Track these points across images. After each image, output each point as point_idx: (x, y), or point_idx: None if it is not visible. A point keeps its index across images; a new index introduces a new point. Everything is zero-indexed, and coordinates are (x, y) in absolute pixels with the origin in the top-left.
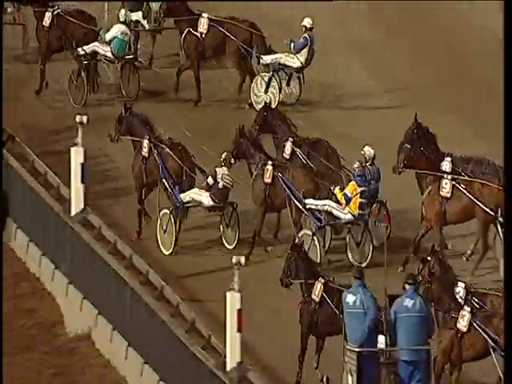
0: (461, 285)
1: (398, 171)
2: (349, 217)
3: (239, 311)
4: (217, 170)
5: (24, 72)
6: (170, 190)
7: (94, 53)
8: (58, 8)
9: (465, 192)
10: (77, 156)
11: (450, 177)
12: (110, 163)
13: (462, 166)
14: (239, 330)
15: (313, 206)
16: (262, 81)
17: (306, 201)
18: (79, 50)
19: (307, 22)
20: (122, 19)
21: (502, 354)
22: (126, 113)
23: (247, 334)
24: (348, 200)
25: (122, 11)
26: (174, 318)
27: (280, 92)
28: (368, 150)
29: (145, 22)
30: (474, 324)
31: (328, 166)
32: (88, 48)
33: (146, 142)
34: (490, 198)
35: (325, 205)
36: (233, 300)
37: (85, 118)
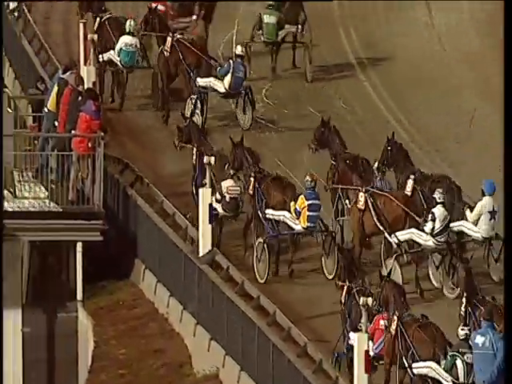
0: None
1: None
2: (299, 228)
3: (367, 352)
4: (222, 184)
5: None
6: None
7: None
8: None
9: (369, 205)
10: (205, 197)
11: (364, 190)
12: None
13: (424, 183)
14: (367, 371)
15: (271, 216)
16: (189, 102)
17: (267, 210)
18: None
19: (239, 49)
20: (127, 30)
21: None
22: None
23: None
24: (298, 213)
25: (128, 22)
26: (300, 359)
27: (202, 115)
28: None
29: None
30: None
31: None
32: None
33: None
34: (389, 214)
35: (281, 215)
36: (360, 341)
37: (212, 159)
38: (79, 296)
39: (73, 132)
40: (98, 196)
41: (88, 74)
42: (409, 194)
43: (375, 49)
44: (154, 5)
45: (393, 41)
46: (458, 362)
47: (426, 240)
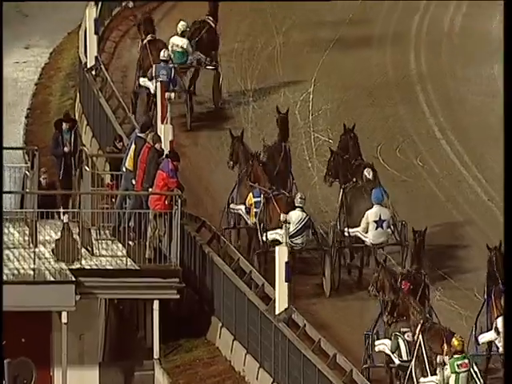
0: None
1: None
2: (250, 223)
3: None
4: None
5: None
6: None
7: None
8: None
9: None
10: (281, 254)
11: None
12: (313, 264)
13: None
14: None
15: (232, 210)
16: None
17: (231, 205)
18: None
19: (161, 54)
20: (177, 31)
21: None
22: None
23: None
24: (247, 209)
25: (180, 23)
26: None
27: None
28: None
29: None
30: None
31: None
32: None
33: None
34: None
35: (238, 209)
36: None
37: (288, 217)
38: (156, 354)
39: (150, 190)
40: (174, 254)
41: (165, 132)
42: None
43: (452, 106)
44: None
45: (470, 98)
46: (400, 342)
47: (284, 241)
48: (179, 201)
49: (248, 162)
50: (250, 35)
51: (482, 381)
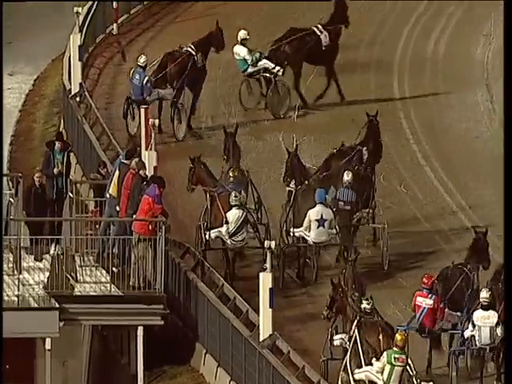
0: None
1: None
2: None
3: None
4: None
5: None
6: None
7: None
8: None
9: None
10: (265, 281)
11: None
12: (297, 289)
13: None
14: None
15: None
16: None
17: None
18: None
19: (140, 59)
20: (238, 39)
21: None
22: None
23: None
24: None
25: (241, 32)
26: None
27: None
28: None
29: None
30: None
31: None
32: None
33: None
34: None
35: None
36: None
37: (273, 244)
38: (140, 381)
39: (134, 216)
40: (159, 280)
41: (149, 158)
42: None
43: (436, 133)
44: None
45: (453, 125)
46: None
47: (226, 239)
48: (163, 227)
49: (191, 165)
50: (234, 61)
51: (417, 381)
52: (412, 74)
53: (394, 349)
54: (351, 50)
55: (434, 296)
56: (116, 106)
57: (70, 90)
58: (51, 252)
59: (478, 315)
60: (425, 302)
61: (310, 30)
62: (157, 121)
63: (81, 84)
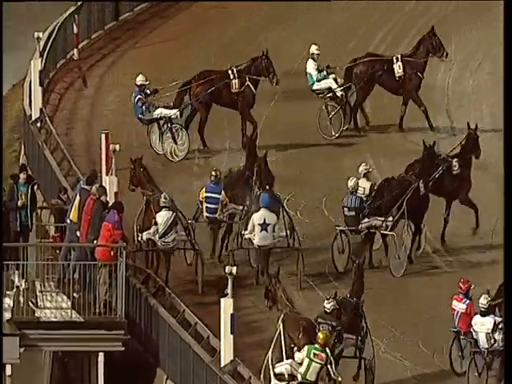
0: None
1: None
2: (204, 216)
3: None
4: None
5: None
6: None
7: None
8: None
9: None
10: (226, 307)
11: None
12: (258, 314)
13: None
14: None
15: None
16: None
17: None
18: None
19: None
20: None
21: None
22: None
23: None
24: (200, 203)
25: None
26: None
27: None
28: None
29: None
30: None
31: None
32: None
33: None
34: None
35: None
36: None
37: (234, 270)
38: None
39: (95, 242)
40: (120, 306)
41: (110, 184)
42: None
43: (395, 158)
44: None
45: (414, 150)
46: None
47: (156, 241)
48: (124, 252)
49: (132, 167)
50: None
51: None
52: (373, 99)
53: (316, 345)
54: None
55: (467, 301)
56: (76, 132)
57: (31, 115)
58: (16, 280)
59: (476, 321)
60: (459, 305)
61: (387, 57)
62: (117, 146)
63: (41, 109)
